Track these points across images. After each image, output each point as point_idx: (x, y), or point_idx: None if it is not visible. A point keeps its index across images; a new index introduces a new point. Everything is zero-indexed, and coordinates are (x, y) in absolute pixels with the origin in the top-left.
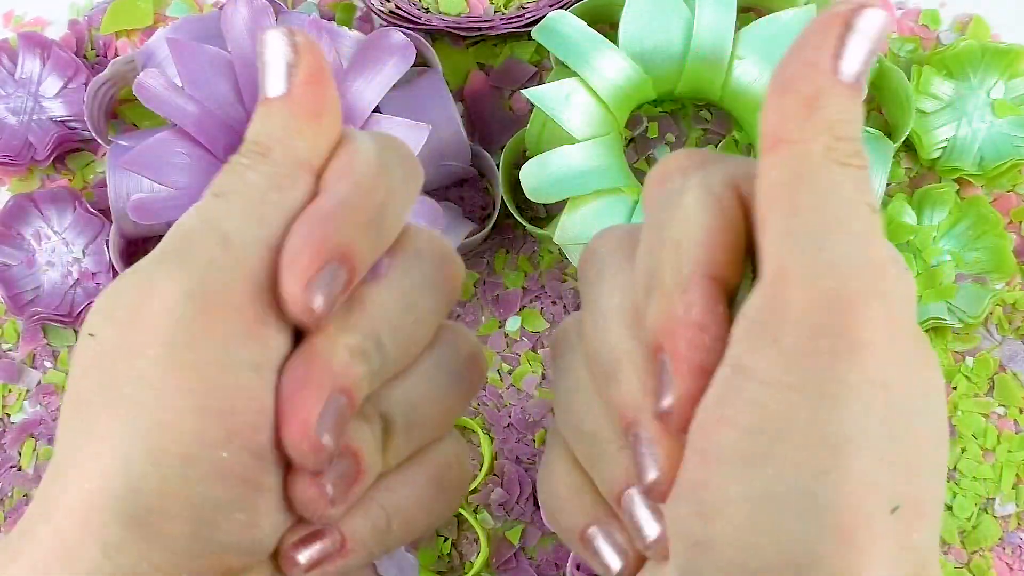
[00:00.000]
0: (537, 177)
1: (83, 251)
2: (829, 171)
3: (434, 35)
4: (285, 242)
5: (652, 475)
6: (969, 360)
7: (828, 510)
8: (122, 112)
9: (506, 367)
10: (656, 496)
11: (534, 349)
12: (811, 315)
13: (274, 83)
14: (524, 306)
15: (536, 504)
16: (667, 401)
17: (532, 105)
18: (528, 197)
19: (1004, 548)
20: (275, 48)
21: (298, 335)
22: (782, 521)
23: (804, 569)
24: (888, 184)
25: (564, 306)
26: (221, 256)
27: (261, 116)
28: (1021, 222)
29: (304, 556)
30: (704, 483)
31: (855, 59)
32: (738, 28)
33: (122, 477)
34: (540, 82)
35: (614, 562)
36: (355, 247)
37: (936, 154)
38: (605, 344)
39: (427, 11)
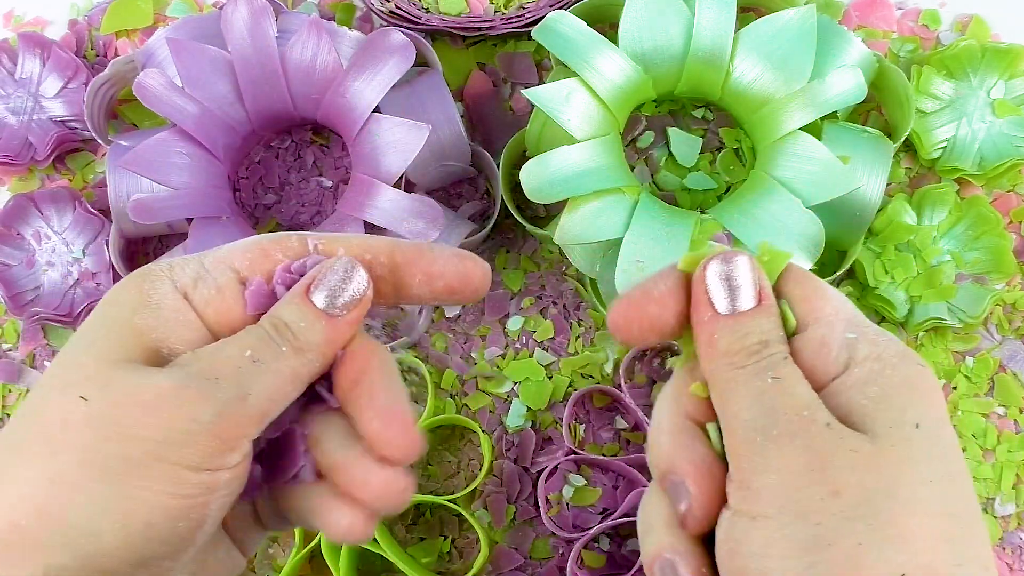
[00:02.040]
0: (537, 177)
1: (83, 251)
2: (731, 379)
3: (434, 35)
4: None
5: (683, 506)
6: (969, 360)
7: None
8: (122, 112)
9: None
10: (691, 526)
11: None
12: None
13: (324, 297)
14: (523, 306)
15: (536, 504)
16: (683, 504)
17: (532, 105)
18: (528, 197)
19: (1004, 548)
20: (340, 273)
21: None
22: None
23: None
24: (888, 184)
25: (564, 306)
26: (235, 407)
27: (307, 317)
28: (1021, 222)
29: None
30: None
31: (721, 298)
32: (738, 28)
33: (87, 523)
34: (540, 82)
35: None
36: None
37: (936, 154)
38: (655, 418)
39: (427, 11)
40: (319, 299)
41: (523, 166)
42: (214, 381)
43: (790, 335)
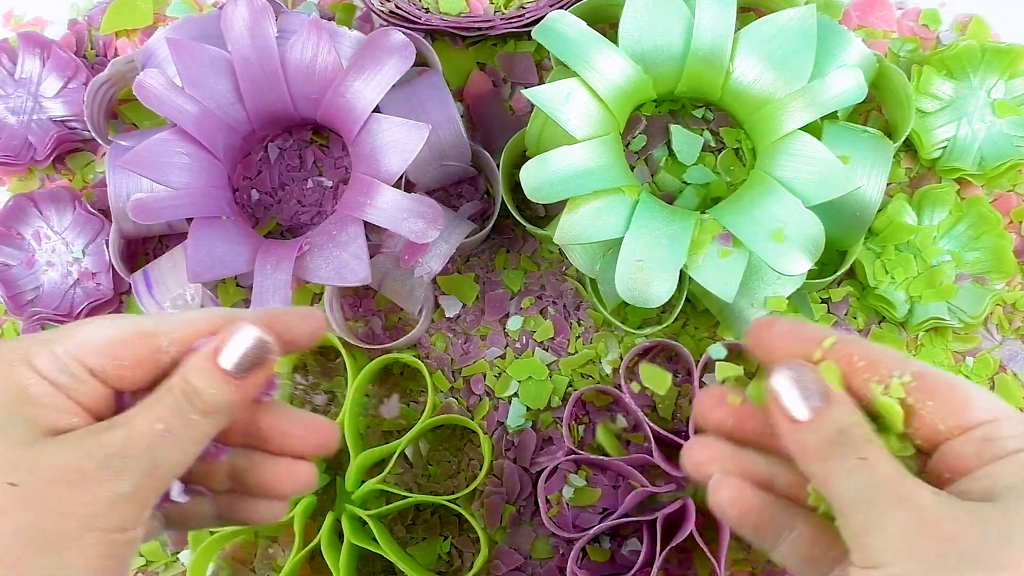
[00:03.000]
0: (537, 177)
1: (83, 251)
2: (823, 469)
3: (434, 35)
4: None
5: None
6: (969, 360)
7: None
8: (122, 112)
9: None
10: None
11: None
12: None
13: (231, 361)
14: (523, 306)
15: (536, 504)
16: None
17: (532, 105)
18: (528, 197)
19: None
20: (244, 341)
21: None
22: None
23: None
24: (888, 184)
25: (564, 306)
26: (149, 477)
27: (217, 381)
28: (1021, 222)
29: None
30: None
31: (798, 406)
32: (738, 28)
33: None
34: (540, 82)
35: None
36: None
37: (936, 154)
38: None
39: (427, 11)
40: (226, 363)
41: (523, 166)
42: (129, 460)
43: (896, 431)
